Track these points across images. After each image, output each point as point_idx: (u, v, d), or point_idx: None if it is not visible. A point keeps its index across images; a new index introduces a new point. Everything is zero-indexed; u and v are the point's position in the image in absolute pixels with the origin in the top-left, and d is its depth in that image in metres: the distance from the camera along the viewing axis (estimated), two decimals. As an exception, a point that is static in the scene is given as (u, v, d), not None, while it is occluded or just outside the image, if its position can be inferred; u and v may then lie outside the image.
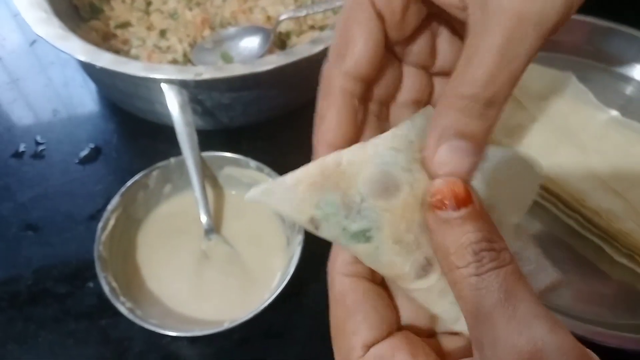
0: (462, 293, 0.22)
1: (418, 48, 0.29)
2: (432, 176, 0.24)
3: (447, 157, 0.23)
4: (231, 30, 0.72)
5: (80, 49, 0.57)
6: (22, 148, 0.67)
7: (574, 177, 0.56)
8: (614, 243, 0.54)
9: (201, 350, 0.51)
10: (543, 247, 0.55)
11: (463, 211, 0.22)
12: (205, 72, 0.56)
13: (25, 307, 0.53)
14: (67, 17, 0.66)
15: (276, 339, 0.51)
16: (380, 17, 0.26)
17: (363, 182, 0.23)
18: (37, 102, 0.73)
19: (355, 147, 0.24)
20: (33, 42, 0.80)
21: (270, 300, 0.47)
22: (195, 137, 0.55)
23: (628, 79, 0.69)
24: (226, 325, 0.46)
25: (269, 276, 0.52)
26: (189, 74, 0.56)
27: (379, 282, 0.26)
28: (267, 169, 0.55)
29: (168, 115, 0.56)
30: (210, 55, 0.69)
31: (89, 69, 0.68)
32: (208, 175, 0.57)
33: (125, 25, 0.73)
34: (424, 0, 0.27)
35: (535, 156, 0.57)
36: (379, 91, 0.30)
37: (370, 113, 0.29)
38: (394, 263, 0.23)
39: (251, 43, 0.70)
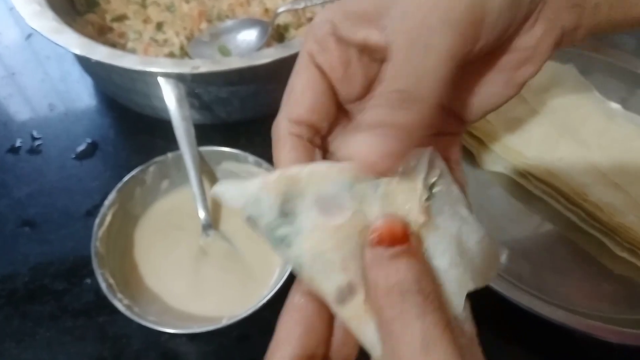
0: (384, 334, 0.22)
1: None
2: (360, 169, 0.24)
3: (365, 144, 0.23)
4: (229, 23, 0.71)
5: (75, 43, 0.57)
6: (18, 143, 0.66)
7: (575, 170, 0.56)
8: (615, 237, 0.54)
9: (200, 347, 0.50)
10: (544, 242, 0.55)
11: (397, 249, 0.22)
12: (203, 66, 0.55)
13: (22, 304, 0.53)
14: (62, 10, 0.66)
15: (275, 336, 0.50)
16: (319, 69, 0.27)
17: (310, 195, 0.24)
18: (34, 97, 0.72)
19: (323, 164, 0.25)
20: (29, 36, 0.80)
21: (269, 297, 0.46)
22: (192, 131, 0.55)
23: (630, 72, 0.68)
24: (225, 322, 0.45)
25: (268, 272, 0.52)
26: (185, 67, 0.55)
27: None
28: (265, 164, 0.54)
29: (165, 109, 0.55)
30: (207, 49, 0.68)
31: (85, 63, 0.67)
32: (206, 170, 0.57)
33: (121, 18, 0.72)
34: (371, 56, 0.28)
35: (537, 150, 0.57)
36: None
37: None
38: (313, 279, 0.24)
39: (249, 36, 0.69)
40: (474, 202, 0.59)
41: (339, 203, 0.24)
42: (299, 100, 0.27)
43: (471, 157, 0.61)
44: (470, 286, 0.24)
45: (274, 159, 0.27)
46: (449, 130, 0.31)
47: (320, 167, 0.25)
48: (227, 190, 0.25)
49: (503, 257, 0.27)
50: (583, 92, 0.63)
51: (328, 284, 0.23)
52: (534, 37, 0.28)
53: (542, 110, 0.61)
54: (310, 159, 0.27)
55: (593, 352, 0.50)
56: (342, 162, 0.25)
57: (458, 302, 0.24)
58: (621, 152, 0.58)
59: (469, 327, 0.24)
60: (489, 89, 0.30)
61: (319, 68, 0.27)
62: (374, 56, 0.28)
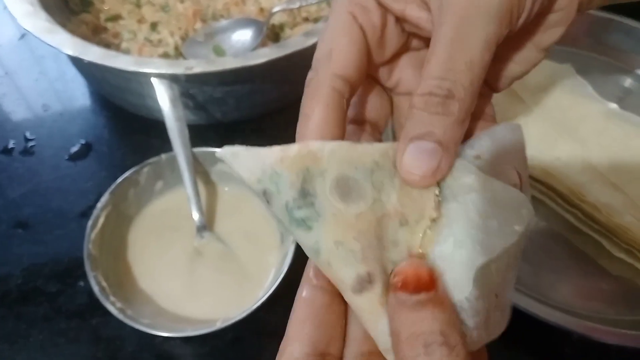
0: None
1: (403, 76, 0.30)
2: (404, 181, 0.24)
3: (411, 161, 0.23)
4: (223, 22, 0.70)
5: (68, 43, 0.56)
6: (11, 144, 0.66)
7: (572, 170, 0.55)
8: (613, 238, 0.53)
9: (194, 350, 0.50)
10: (541, 242, 0.54)
11: (422, 296, 0.21)
12: (196, 66, 0.54)
13: (16, 306, 0.52)
14: (56, 10, 0.65)
15: (270, 338, 0.50)
16: (361, 29, 0.27)
17: (331, 178, 0.23)
18: (27, 97, 0.72)
19: (344, 144, 0.24)
20: (23, 36, 0.79)
21: (264, 299, 0.46)
22: (186, 132, 0.54)
23: (627, 72, 0.68)
24: (219, 325, 0.45)
25: (263, 274, 0.51)
26: (179, 68, 0.55)
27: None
28: (260, 165, 0.54)
29: (159, 110, 0.55)
30: (202, 49, 0.68)
31: (78, 64, 0.67)
32: (200, 171, 0.56)
33: (116, 18, 0.72)
34: (403, 27, 0.28)
35: (534, 149, 0.56)
36: (370, 115, 0.30)
37: (365, 133, 0.30)
38: (331, 265, 0.23)
39: (244, 36, 0.69)
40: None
41: (360, 189, 0.23)
42: (345, 55, 0.26)
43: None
44: (480, 260, 0.23)
45: (304, 113, 0.26)
46: (481, 103, 0.31)
47: (342, 147, 0.23)
48: (240, 156, 0.23)
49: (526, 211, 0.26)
50: (580, 92, 0.63)
51: (347, 272, 0.23)
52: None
53: (539, 110, 0.61)
54: (343, 123, 0.26)
55: (591, 354, 0.50)
56: (364, 143, 0.24)
57: (464, 284, 0.23)
58: (619, 152, 0.57)
59: (475, 320, 0.23)
60: (520, 54, 0.30)
61: (361, 28, 0.27)
62: (407, 28, 0.28)
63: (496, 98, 0.62)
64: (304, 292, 0.25)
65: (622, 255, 0.53)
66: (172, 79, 0.55)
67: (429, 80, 0.24)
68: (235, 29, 0.70)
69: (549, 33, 0.29)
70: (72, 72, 0.74)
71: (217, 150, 0.55)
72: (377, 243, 0.23)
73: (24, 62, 0.76)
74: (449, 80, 0.23)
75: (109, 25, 0.71)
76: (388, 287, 0.22)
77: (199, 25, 0.70)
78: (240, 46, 0.68)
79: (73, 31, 0.60)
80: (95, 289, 0.46)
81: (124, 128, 0.68)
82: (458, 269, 0.23)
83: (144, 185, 0.55)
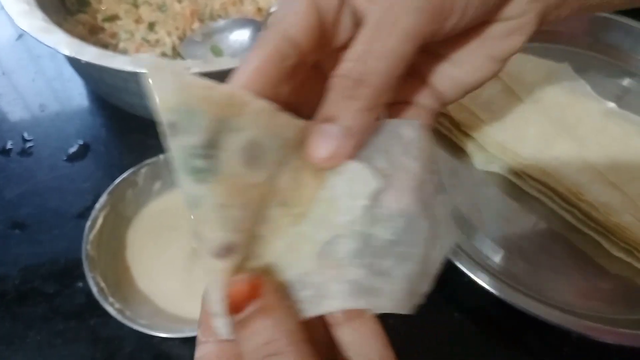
0: None
1: None
2: (309, 160, 0.24)
3: (316, 142, 0.24)
4: (221, 22, 0.70)
5: (64, 43, 0.56)
6: (9, 145, 0.66)
7: (570, 169, 0.55)
8: (611, 237, 0.53)
9: (192, 350, 0.49)
10: (540, 242, 0.54)
11: (248, 310, 0.22)
12: (194, 67, 0.54)
13: (13, 307, 0.52)
14: (53, 10, 0.65)
15: (268, 338, 0.50)
16: (317, 4, 0.26)
17: (245, 138, 0.22)
18: (24, 97, 0.72)
19: (271, 108, 0.23)
20: (20, 36, 0.79)
21: (262, 299, 0.46)
22: (184, 132, 0.54)
23: (625, 71, 0.68)
24: (217, 325, 0.45)
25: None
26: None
27: None
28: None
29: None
30: (199, 49, 0.68)
31: (76, 64, 0.67)
32: (198, 171, 0.56)
33: (113, 18, 0.72)
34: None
35: (532, 149, 0.56)
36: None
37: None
38: (204, 222, 0.22)
39: (242, 36, 0.69)
40: (469, 202, 0.59)
41: (266, 160, 0.23)
42: (298, 21, 0.25)
43: (465, 157, 0.60)
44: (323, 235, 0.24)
45: (243, 59, 0.25)
46: (424, 103, 0.30)
47: (267, 111, 0.23)
48: (164, 74, 0.21)
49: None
50: (578, 91, 0.63)
51: (218, 235, 0.22)
52: (519, 5, 0.27)
53: (537, 109, 0.60)
54: (277, 83, 0.24)
55: (590, 353, 0.50)
56: (288, 115, 0.24)
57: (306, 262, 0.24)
58: (617, 151, 0.57)
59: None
60: (471, 61, 0.29)
61: (316, 3, 0.26)
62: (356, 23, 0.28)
63: (494, 97, 0.62)
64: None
65: (620, 255, 0.53)
66: (170, 79, 0.55)
67: (345, 63, 0.24)
68: (233, 28, 0.70)
69: (504, 43, 0.29)
70: (70, 72, 0.74)
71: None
72: (254, 216, 0.23)
73: (20, 62, 0.76)
74: (363, 64, 0.23)
75: (106, 25, 0.71)
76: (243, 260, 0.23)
77: (196, 25, 0.70)
78: (238, 46, 0.68)
79: (70, 31, 0.59)
80: (94, 289, 0.46)
81: (122, 128, 0.67)
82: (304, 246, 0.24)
83: (142, 185, 0.54)
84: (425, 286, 0.26)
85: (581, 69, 0.65)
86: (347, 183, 0.24)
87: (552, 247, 0.54)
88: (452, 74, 0.30)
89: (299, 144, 0.24)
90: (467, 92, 0.30)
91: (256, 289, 0.22)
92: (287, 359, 0.21)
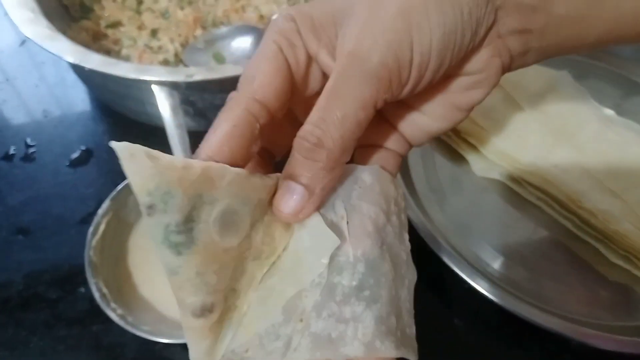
0: None
1: None
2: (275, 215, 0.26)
3: (280, 198, 0.26)
4: (223, 29, 0.71)
5: (68, 50, 0.56)
6: (12, 150, 0.66)
7: (570, 177, 0.56)
8: (610, 244, 0.53)
9: (194, 356, 0.50)
10: (540, 249, 0.55)
11: None
12: (197, 74, 0.55)
13: (16, 313, 0.52)
14: (56, 17, 0.66)
15: (270, 344, 0.50)
16: (287, 61, 0.27)
17: (219, 209, 0.23)
18: (28, 103, 0.72)
19: (243, 174, 0.24)
20: (23, 42, 0.79)
21: (263, 306, 0.46)
22: (186, 139, 0.54)
23: (625, 78, 0.69)
24: (219, 331, 0.45)
25: (263, 280, 0.51)
26: (180, 75, 0.55)
27: None
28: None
29: (160, 116, 0.55)
30: (202, 55, 0.68)
31: (79, 70, 0.67)
32: (200, 177, 0.56)
33: (116, 24, 0.72)
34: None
35: (532, 156, 0.57)
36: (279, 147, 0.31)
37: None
38: (181, 289, 0.23)
39: (244, 43, 0.69)
40: (469, 209, 0.59)
41: (239, 224, 0.24)
42: (268, 82, 0.27)
43: (465, 164, 0.61)
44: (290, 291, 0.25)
45: (212, 126, 0.26)
46: (392, 147, 0.32)
47: (239, 178, 0.24)
48: (137, 159, 0.22)
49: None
50: (578, 98, 0.63)
51: (195, 299, 0.23)
52: (480, 61, 0.28)
53: (537, 117, 0.61)
54: (248, 145, 0.26)
55: (590, 359, 0.50)
56: (258, 176, 0.25)
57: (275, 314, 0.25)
58: (616, 159, 0.58)
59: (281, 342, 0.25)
60: (436, 110, 0.31)
61: (286, 60, 0.27)
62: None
63: (495, 104, 0.62)
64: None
65: (619, 262, 0.53)
66: (173, 86, 0.55)
67: (306, 125, 0.25)
68: (235, 35, 0.70)
69: (467, 95, 0.30)
70: (72, 78, 0.74)
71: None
72: (231, 274, 0.24)
73: (24, 68, 0.76)
74: (320, 129, 0.25)
75: (109, 31, 0.72)
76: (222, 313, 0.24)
77: (199, 32, 0.71)
78: (240, 53, 0.69)
79: (73, 38, 0.60)
80: (96, 295, 0.46)
81: (124, 134, 0.68)
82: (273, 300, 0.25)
83: (144, 192, 0.55)
84: (411, 325, 0.27)
85: (581, 77, 0.65)
86: (310, 237, 0.26)
87: (551, 254, 0.54)
88: (418, 121, 0.31)
89: (270, 200, 0.26)
90: (433, 137, 0.32)
91: None
92: None
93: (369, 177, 0.28)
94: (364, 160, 0.32)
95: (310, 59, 0.28)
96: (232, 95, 0.27)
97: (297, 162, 0.25)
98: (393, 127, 0.32)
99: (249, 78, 0.27)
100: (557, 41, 0.29)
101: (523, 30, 0.28)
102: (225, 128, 0.25)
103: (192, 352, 0.24)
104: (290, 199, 0.25)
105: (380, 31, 0.25)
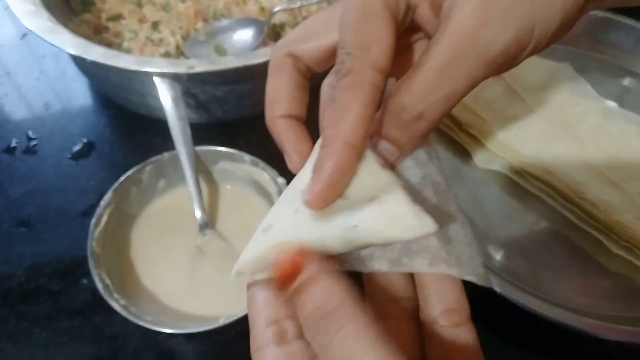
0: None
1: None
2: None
3: (381, 149, 0.26)
4: (224, 22, 0.71)
5: (70, 43, 0.57)
6: (14, 143, 0.66)
7: (571, 168, 0.56)
8: (611, 235, 0.53)
9: (196, 347, 0.50)
10: (541, 240, 0.55)
11: (296, 282, 0.23)
12: (198, 65, 0.55)
13: (18, 305, 0.53)
14: (57, 10, 0.66)
15: (272, 335, 0.50)
16: (392, 18, 0.26)
17: None
18: (29, 96, 0.72)
19: None
20: (24, 35, 0.79)
21: (266, 296, 0.46)
22: (188, 131, 0.54)
23: (625, 70, 0.68)
24: (222, 321, 0.45)
25: (265, 271, 0.51)
26: (181, 67, 0.55)
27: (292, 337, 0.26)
28: (262, 163, 0.54)
29: (161, 108, 0.55)
30: (203, 48, 0.68)
31: (81, 63, 0.67)
32: (202, 169, 0.56)
33: (117, 17, 0.72)
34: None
35: (533, 148, 0.57)
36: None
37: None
38: None
39: (245, 35, 0.69)
40: (470, 200, 0.59)
41: None
42: (384, 48, 0.25)
43: (467, 155, 0.61)
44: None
45: (340, 107, 0.25)
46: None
47: None
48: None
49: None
50: (579, 91, 0.63)
51: None
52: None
53: (539, 109, 0.61)
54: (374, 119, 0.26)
55: (590, 349, 0.50)
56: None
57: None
58: (617, 150, 0.58)
59: None
60: None
61: (392, 17, 0.26)
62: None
63: (496, 96, 0.62)
64: (249, 294, 0.26)
65: (620, 252, 0.53)
66: (174, 78, 0.55)
67: (409, 95, 0.25)
68: (237, 28, 0.70)
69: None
70: (73, 71, 0.74)
71: (219, 148, 0.56)
72: None
73: (25, 62, 0.76)
74: (424, 104, 0.25)
75: (110, 24, 0.72)
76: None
77: (200, 24, 0.71)
78: (241, 46, 0.69)
79: (74, 31, 0.60)
80: (99, 286, 0.46)
81: (126, 127, 0.68)
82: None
83: (146, 183, 0.55)
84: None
85: (582, 69, 0.65)
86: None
87: (553, 245, 0.54)
88: None
89: None
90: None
91: (299, 264, 0.23)
92: (340, 317, 0.21)
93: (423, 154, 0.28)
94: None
95: (409, 8, 0.27)
96: (347, 65, 0.25)
97: (394, 126, 0.26)
98: None
99: (362, 44, 0.25)
100: None
101: None
102: (357, 109, 0.24)
103: None
104: (383, 156, 0.26)
105: (503, 13, 0.24)
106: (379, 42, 0.25)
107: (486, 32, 0.24)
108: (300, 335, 0.24)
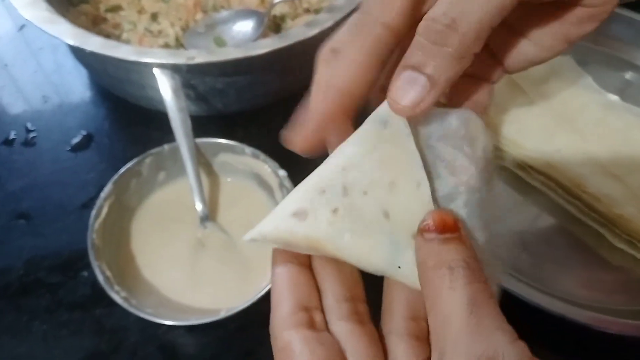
0: (435, 304, 0.23)
1: None
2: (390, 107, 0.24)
3: (398, 89, 0.24)
4: (224, 13, 0.70)
5: (69, 33, 0.56)
6: (12, 135, 0.66)
7: (573, 162, 0.56)
8: (613, 229, 0.53)
9: (197, 340, 0.50)
10: (543, 233, 0.55)
11: (448, 235, 0.23)
12: (198, 56, 0.54)
13: (17, 298, 0.52)
14: (55, 1, 0.65)
15: (273, 328, 0.50)
16: None
17: None
18: (27, 89, 0.72)
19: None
20: (22, 27, 0.79)
21: (267, 289, 0.46)
22: (189, 123, 0.54)
23: (627, 63, 0.68)
24: (223, 314, 0.45)
25: (266, 264, 0.50)
26: (181, 58, 0.54)
27: (321, 328, 0.26)
28: (262, 156, 0.54)
29: (161, 100, 0.55)
30: (202, 40, 0.68)
31: (79, 54, 0.67)
32: (203, 162, 0.56)
33: (115, 8, 0.71)
34: None
35: (535, 141, 0.56)
36: None
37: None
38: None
39: (245, 27, 0.69)
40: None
41: None
42: (397, 4, 0.25)
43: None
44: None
45: (336, 49, 0.25)
46: (485, 76, 0.31)
47: None
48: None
49: None
50: (581, 84, 0.63)
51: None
52: None
53: (540, 102, 0.61)
54: (378, 71, 0.25)
55: (591, 342, 0.50)
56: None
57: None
58: (619, 143, 0.57)
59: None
60: (545, 40, 0.29)
61: None
62: None
63: (497, 89, 0.62)
64: (278, 269, 0.27)
65: (622, 246, 0.53)
66: (174, 69, 0.55)
67: (438, 6, 0.23)
68: (236, 20, 0.69)
69: (582, 27, 0.28)
70: (71, 64, 0.73)
71: (220, 141, 0.55)
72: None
73: (22, 54, 0.76)
74: (456, 9, 0.23)
75: (109, 16, 0.71)
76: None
77: (199, 16, 0.70)
78: (241, 37, 0.68)
79: (73, 22, 0.59)
80: (100, 278, 0.46)
81: (125, 119, 0.67)
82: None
83: (146, 176, 0.55)
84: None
85: (584, 62, 0.65)
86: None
87: (554, 239, 0.54)
88: (523, 49, 0.30)
89: None
90: (532, 66, 0.31)
91: (456, 224, 0.24)
92: (480, 276, 0.23)
93: (455, 120, 0.27)
94: (455, 90, 0.30)
95: None
96: (358, 16, 0.25)
97: (423, 48, 0.23)
98: (490, 54, 0.30)
99: (374, 3, 0.25)
100: None
101: None
102: (359, 57, 0.25)
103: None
104: (410, 89, 0.23)
105: None
106: (391, 2, 0.25)
107: None
108: (327, 328, 0.25)
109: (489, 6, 0.23)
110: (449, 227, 0.23)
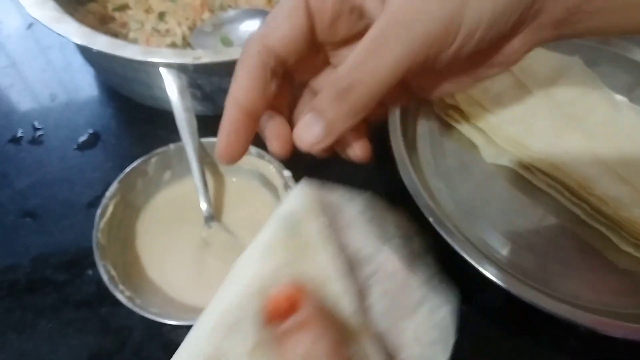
0: None
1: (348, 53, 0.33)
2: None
3: (305, 128, 0.29)
4: (231, 13, 0.70)
5: (76, 32, 0.56)
6: (19, 133, 0.66)
7: (580, 163, 0.55)
8: (620, 232, 0.53)
9: (202, 339, 0.50)
10: (549, 235, 0.54)
11: (288, 324, 0.22)
12: (204, 56, 0.54)
13: (24, 296, 0.53)
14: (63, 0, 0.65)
15: (277, 328, 0.50)
16: (309, 16, 0.30)
17: None
18: (35, 87, 0.72)
19: None
20: (30, 26, 0.79)
21: (271, 289, 0.46)
22: (194, 122, 0.54)
23: (637, 64, 0.68)
24: (227, 314, 0.45)
25: (270, 264, 0.51)
26: (187, 57, 0.54)
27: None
28: (267, 156, 0.54)
29: (167, 100, 0.55)
30: (209, 39, 0.68)
31: (86, 53, 0.67)
32: (208, 162, 0.56)
33: (123, 7, 0.72)
34: (362, 15, 0.31)
35: (542, 142, 0.56)
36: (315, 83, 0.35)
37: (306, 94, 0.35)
38: None
39: (252, 26, 0.69)
40: (478, 195, 0.59)
41: None
42: (279, 30, 0.30)
43: (474, 150, 0.60)
44: None
45: (234, 75, 0.31)
46: (395, 103, 0.37)
47: None
48: None
49: None
50: (589, 84, 0.62)
51: None
52: (512, 48, 0.29)
53: (547, 102, 0.60)
54: (263, 91, 0.30)
55: (597, 346, 0.50)
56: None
57: None
58: (627, 145, 0.57)
59: None
60: (458, 77, 0.33)
61: (309, 9, 0.30)
62: (362, 18, 0.31)
63: (505, 90, 0.62)
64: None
65: (629, 249, 0.52)
66: (181, 68, 0.55)
67: (342, 68, 0.27)
68: (243, 19, 0.69)
69: (491, 70, 0.31)
70: (79, 62, 0.74)
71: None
72: None
73: (30, 52, 0.76)
74: (354, 75, 0.27)
75: (117, 15, 0.71)
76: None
77: (206, 15, 0.70)
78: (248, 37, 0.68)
79: (80, 21, 0.59)
80: (105, 277, 0.46)
81: (132, 118, 0.68)
82: None
83: (152, 175, 0.55)
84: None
85: (592, 62, 0.64)
86: None
87: (560, 241, 0.54)
88: (435, 82, 0.33)
89: None
90: (441, 96, 0.36)
91: (295, 303, 0.23)
92: None
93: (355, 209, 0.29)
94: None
95: (339, 8, 0.30)
96: (247, 42, 0.31)
97: (327, 98, 0.27)
98: (403, 87, 0.34)
99: (266, 26, 0.31)
100: (587, 28, 0.30)
101: (563, 22, 0.28)
102: (242, 79, 0.30)
103: None
104: (312, 130, 0.28)
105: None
106: (277, 30, 0.30)
107: (410, 12, 0.26)
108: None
109: (379, 74, 0.26)
110: (285, 311, 0.23)
